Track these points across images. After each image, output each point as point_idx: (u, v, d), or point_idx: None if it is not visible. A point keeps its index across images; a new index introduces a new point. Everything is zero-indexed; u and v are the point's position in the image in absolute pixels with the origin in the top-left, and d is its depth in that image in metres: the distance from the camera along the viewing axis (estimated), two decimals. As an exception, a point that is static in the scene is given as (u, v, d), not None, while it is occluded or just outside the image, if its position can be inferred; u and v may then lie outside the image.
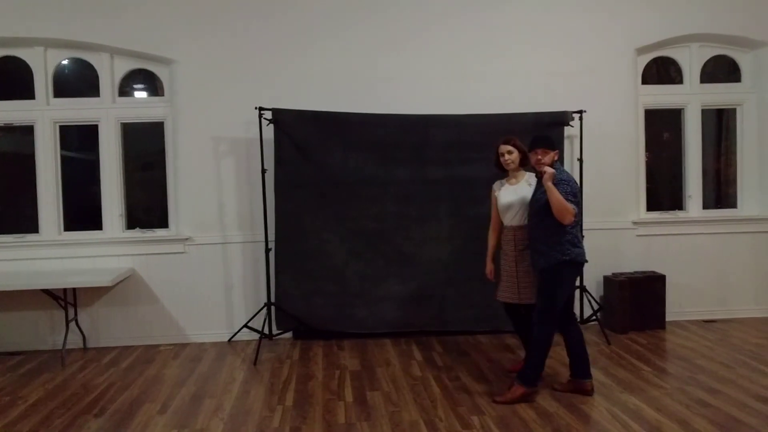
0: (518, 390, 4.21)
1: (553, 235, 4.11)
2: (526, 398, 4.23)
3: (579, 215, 4.36)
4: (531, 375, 4.22)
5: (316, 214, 5.79)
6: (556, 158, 4.22)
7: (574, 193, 4.09)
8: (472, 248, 5.86)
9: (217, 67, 5.89)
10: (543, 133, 4.53)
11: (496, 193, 4.66)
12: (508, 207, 4.52)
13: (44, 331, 5.85)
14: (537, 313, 4.21)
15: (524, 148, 4.48)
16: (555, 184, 4.04)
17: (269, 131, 5.68)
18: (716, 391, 4.34)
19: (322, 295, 5.83)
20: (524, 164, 4.53)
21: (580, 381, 4.36)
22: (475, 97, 6.02)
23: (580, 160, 5.94)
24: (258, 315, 5.79)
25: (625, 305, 5.90)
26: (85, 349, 5.85)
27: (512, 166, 4.52)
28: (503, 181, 4.66)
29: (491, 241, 4.78)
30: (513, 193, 4.51)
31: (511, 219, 4.53)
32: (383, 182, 5.80)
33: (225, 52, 5.90)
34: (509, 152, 4.50)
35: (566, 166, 5.98)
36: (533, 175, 4.41)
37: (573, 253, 4.12)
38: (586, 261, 4.27)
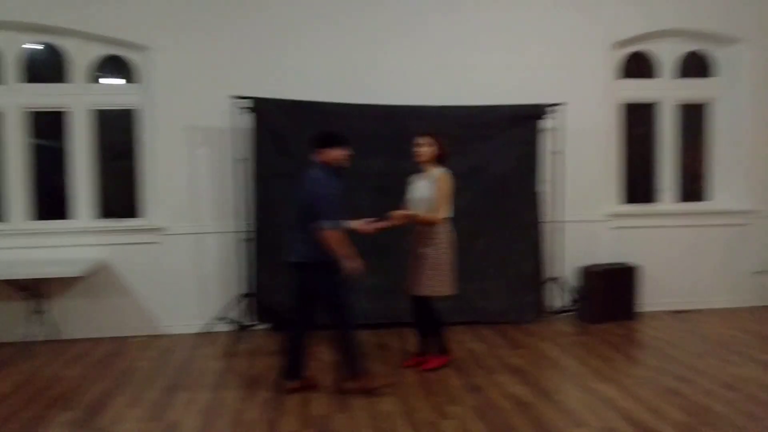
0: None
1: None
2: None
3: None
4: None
5: (294, 204, 5.72)
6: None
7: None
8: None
9: (193, 54, 5.80)
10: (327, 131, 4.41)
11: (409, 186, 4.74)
12: (412, 203, 4.63)
13: (12, 323, 5.70)
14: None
15: (445, 145, 4.56)
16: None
17: (245, 120, 5.61)
18: (687, 380, 4.41)
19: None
20: (440, 161, 4.57)
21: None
22: (453, 89, 6.00)
23: (557, 153, 5.96)
24: (234, 306, 5.73)
25: (600, 296, 5.96)
26: (53, 340, 5.72)
27: (420, 158, 4.57)
28: (419, 175, 4.69)
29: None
30: (415, 190, 4.63)
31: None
32: (360, 174, 5.74)
33: (201, 40, 5.80)
34: (424, 144, 4.54)
35: (543, 159, 6.02)
36: (443, 170, 4.54)
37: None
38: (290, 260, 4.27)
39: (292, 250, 4.22)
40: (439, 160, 4.56)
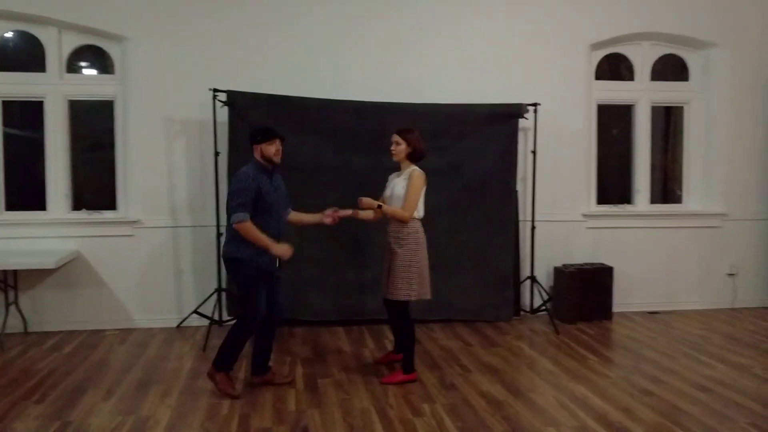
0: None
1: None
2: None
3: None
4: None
5: (271, 199, 5.70)
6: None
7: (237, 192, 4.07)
8: (425, 237, 5.88)
9: (171, 45, 5.74)
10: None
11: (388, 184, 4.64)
12: (387, 202, 4.49)
13: (-18, 315, 5.62)
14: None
15: (416, 143, 4.43)
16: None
17: (223, 113, 5.57)
18: (659, 381, 4.47)
19: (274, 282, 5.76)
20: (415, 159, 4.47)
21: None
22: (430, 87, 6.02)
23: (534, 152, 6.01)
24: (208, 301, 5.69)
25: (574, 296, 6.02)
26: (26, 333, 5.64)
27: (396, 157, 4.48)
28: (397, 173, 4.59)
29: (364, 212, 4.53)
30: (390, 188, 4.51)
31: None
32: (339, 169, 5.75)
33: (179, 31, 5.74)
34: (396, 143, 4.45)
35: (520, 158, 6.06)
36: (416, 169, 4.43)
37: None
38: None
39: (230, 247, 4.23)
40: (414, 157, 4.46)
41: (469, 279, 6.01)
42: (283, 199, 4.33)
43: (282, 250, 4.10)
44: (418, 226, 4.43)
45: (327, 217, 4.44)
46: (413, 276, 4.36)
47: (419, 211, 4.43)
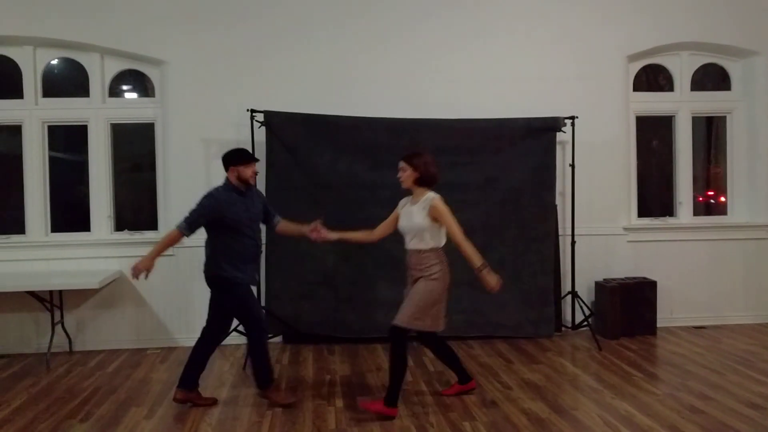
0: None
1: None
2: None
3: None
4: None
5: (306, 217, 5.70)
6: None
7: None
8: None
9: (207, 68, 5.85)
10: None
11: (399, 211, 4.33)
12: (404, 231, 4.24)
13: (29, 334, 5.75)
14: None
15: (424, 168, 4.14)
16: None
17: (260, 133, 5.64)
18: (707, 398, 4.34)
19: (311, 299, 5.79)
20: (425, 184, 4.18)
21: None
22: (465, 102, 6.00)
23: (572, 165, 5.94)
24: (247, 319, 5.72)
25: (616, 311, 5.90)
26: (70, 352, 5.76)
27: (404, 184, 4.22)
28: (410, 197, 4.30)
29: (356, 235, 4.48)
30: (407, 217, 4.19)
31: (408, 243, 4.23)
32: (373, 186, 5.75)
33: (216, 54, 5.86)
34: (402, 169, 4.21)
35: (558, 172, 5.99)
36: (434, 197, 4.14)
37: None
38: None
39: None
40: (424, 182, 4.16)
41: (507, 295, 5.89)
42: (259, 215, 4.43)
43: (146, 264, 4.19)
44: (443, 256, 4.19)
45: (312, 231, 4.46)
46: (428, 306, 4.09)
47: (441, 239, 4.19)
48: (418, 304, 4.07)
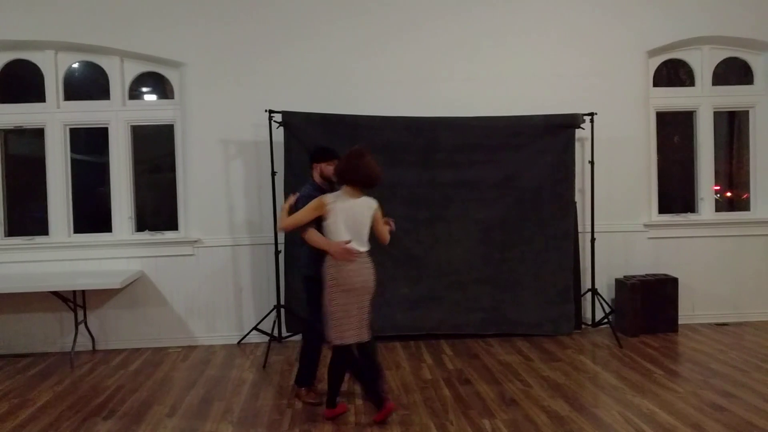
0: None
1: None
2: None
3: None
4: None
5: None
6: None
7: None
8: (481, 251, 5.84)
9: (226, 69, 5.90)
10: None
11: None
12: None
13: (53, 333, 5.85)
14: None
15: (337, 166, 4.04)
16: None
17: (279, 134, 5.68)
18: (731, 395, 4.28)
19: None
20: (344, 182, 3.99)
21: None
22: (483, 100, 5.99)
23: (591, 162, 5.89)
24: (267, 317, 5.77)
25: (637, 308, 5.85)
26: (93, 351, 5.84)
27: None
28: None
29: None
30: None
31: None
32: (392, 184, 5.75)
33: (234, 55, 5.90)
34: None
35: (577, 169, 5.95)
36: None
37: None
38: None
39: (302, 265, 4.28)
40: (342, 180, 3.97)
41: (526, 293, 5.92)
42: None
43: (341, 250, 3.94)
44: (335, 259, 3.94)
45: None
46: (332, 316, 3.93)
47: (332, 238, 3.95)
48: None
